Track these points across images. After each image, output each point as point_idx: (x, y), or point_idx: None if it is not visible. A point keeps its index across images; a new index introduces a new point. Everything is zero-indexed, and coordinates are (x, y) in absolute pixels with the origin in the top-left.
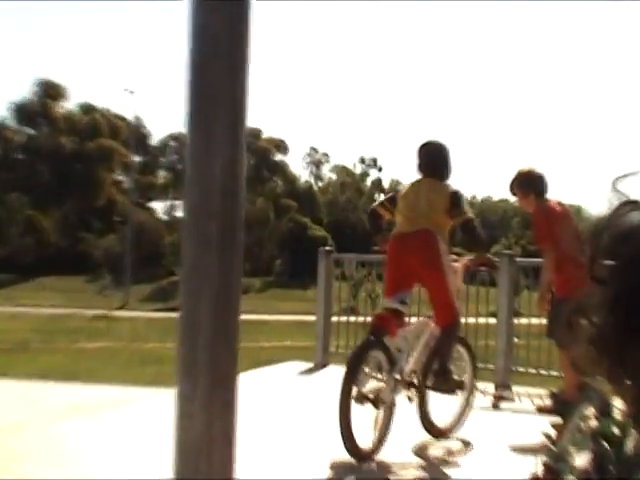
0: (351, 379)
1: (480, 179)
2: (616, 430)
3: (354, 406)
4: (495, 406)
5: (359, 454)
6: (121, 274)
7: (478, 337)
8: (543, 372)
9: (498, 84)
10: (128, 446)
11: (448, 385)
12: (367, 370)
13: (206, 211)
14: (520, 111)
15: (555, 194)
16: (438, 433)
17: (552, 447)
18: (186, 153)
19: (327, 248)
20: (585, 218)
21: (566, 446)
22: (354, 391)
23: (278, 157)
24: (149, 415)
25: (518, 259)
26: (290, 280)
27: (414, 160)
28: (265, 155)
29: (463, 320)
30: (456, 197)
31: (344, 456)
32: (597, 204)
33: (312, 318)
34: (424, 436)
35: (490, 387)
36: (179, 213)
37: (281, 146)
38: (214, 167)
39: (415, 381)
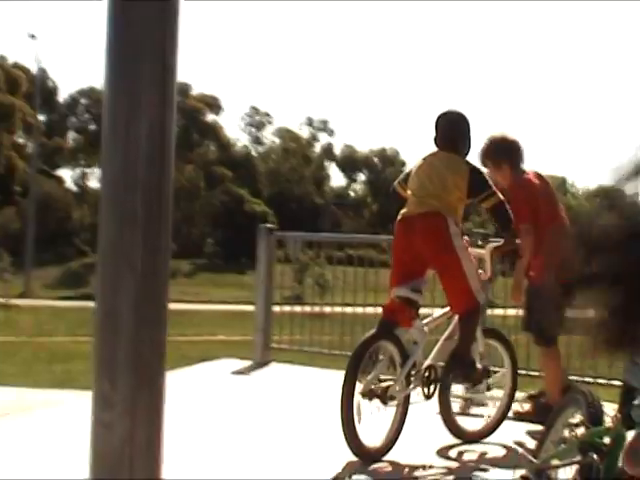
0: (355, 372)
1: None
2: (607, 440)
3: (362, 402)
4: (464, 412)
5: (365, 454)
6: (21, 255)
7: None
8: (521, 372)
9: (470, 46)
10: (33, 460)
11: (468, 376)
12: (377, 363)
13: (129, 182)
14: (498, 76)
15: (536, 165)
16: (462, 434)
17: (531, 459)
18: (104, 114)
19: (268, 225)
20: (570, 190)
21: (548, 458)
22: (361, 386)
23: (210, 118)
24: (59, 423)
25: (492, 239)
26: (224, 263)
27: (382, 126)
28: (195, 115)
29: None
30: (476, 175)
31: (295, 468)
32: (583, 176)
33: (250, 308)
34: (441, 438)
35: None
36: (92, 183)
37: (214, 105)
38: (139, 131)
39: (433, 377)
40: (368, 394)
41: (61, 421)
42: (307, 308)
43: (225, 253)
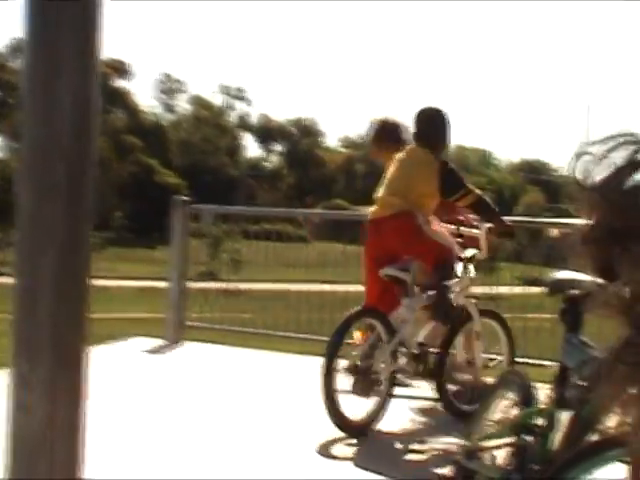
0: (335, 348)
1: (366, 117)
2: (540, 421)
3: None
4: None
5: (347, 426)
6: None
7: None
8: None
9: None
10: None
11: (448, 314)
12: (360, 339)
13: (52, 151)
14: (420, 47)
15: (459, 137)
16: (458, 412)
17: (464, 441)
18: (24, 81)
19: (183, 198)
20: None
21: (480, 440)
22: (345, 361)
23: (119, 83)
24: None
25: None
26: (134, 237)
27: (299, 94)
28: (102, 81)
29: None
30: (447, 174)
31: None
32: (505, 149)
33: (162, 284)
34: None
35: None
36: None
37: (122, 70)
38: (63, 99)
39: (423, 354)
40: (353, 370)
41: None
42: (221, 285)
43: (135, 227)
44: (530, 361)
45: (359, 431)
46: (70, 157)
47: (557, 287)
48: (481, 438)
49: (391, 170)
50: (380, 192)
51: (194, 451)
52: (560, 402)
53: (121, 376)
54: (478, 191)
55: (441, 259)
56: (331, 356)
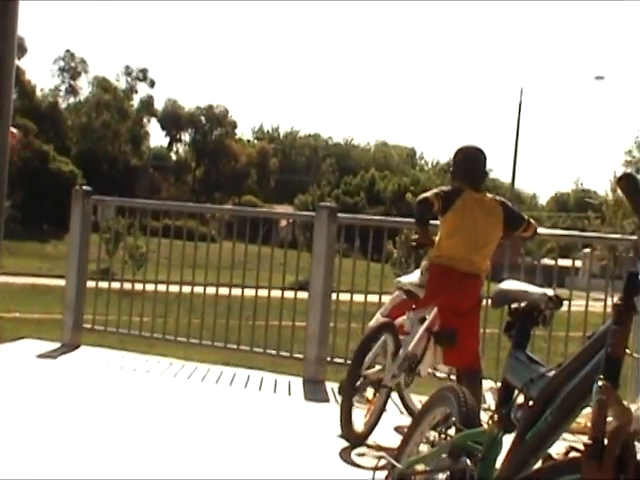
0: (361, 360)
1: (285, 109)
2: (481, 444)
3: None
4: None
5: (354, 438)
6: None
7: (284, 316)
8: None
9: None
10: None
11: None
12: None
13: None
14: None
15: (385, 134)
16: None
17: (394, 462)
18: None
19: (85, 187)
20: (419, 163)
21: (413, 462)
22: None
23: None
24: None
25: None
26: (23, 229)
27: (210, 80)
28: None
29: None
30: (510, 210)
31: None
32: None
33: (53, 282)
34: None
35: (297, 381)
36: None
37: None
38: None
39: (414, 364)
40: (366, 383)
41: None
42: (118, 285)
43: (24, 217)
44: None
45: (360, 441)
46: None
47: (501, 299)
48: (414, 461)
49: (470, 224)
50: (463, 246)
51: (75, 460)
52: (503, 423)
53: (10, 382)
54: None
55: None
56: (355, 370)
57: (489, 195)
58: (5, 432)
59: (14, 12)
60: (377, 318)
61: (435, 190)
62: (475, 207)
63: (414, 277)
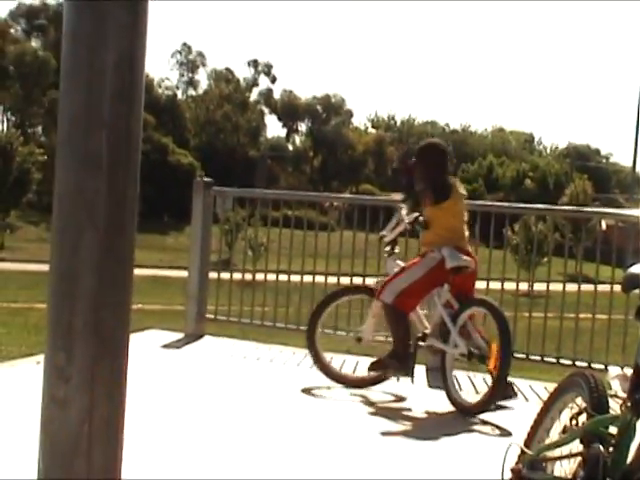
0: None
1: (401, 97)
2: (614, 429)
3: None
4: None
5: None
6: None
7: None
8: (549, 359)
9: None
10: None
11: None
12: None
13: (92, 121)
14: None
15: (503, 120)
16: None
17: (524, 449)
18: (64, 40)
19: (206, 179)
20: (537, 148)
21: (544, 448)
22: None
23: None
24: None
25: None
26: (144, 221)
27: (326, 70)
28: None
29: None
30: None
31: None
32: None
33: (174, 273)
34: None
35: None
36: None
37: None
38: (105, 61)
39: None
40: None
41: None
42: (239, 275)
43: (145, 210)
44: (564, 361)
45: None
46: (112, 128)
47: (632, 283)
48: (545, 447)
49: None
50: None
51: (208, 450)
52: (637, 409)
53: (139, 371)
54: None
55: None
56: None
57: None
58: (137, 420)
59: (144, 10)
60: None
61: None
62: None
63: None
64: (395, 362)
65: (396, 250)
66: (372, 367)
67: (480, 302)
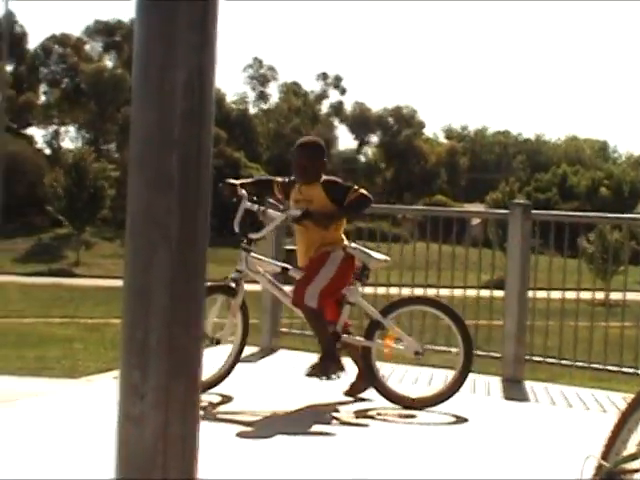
0: None
1: (473, 107)
2: None
3: None
4: None
5: None
6: None
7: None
8: (566, 362)
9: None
10: (26, 456)
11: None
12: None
13: (164, 140)
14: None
15: (576, 128)
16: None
17: (602, 462)
18: (135, 60)
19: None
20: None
21: (623, 460)
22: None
23: None
24: (49, 415)
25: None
26: (217, 236)
27: (397, 81)
28: None
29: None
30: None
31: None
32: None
33: (250, 287)
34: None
35: (495, 380)
36: (66, 143)
37: None
38: (175, 80)
39: None
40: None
41: (51, 413)
42: None
43: (217, 224)
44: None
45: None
46: (183, 146)
47: None
48: (622, 459)
49: None
50: None
51: (283, 465)
52: None
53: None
54: None
55: None
56: None
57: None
58: (214, 435)
59: (214, 30)
60: None
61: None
62: None
63: None
64: (332, 362)
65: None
66: (310, 374)
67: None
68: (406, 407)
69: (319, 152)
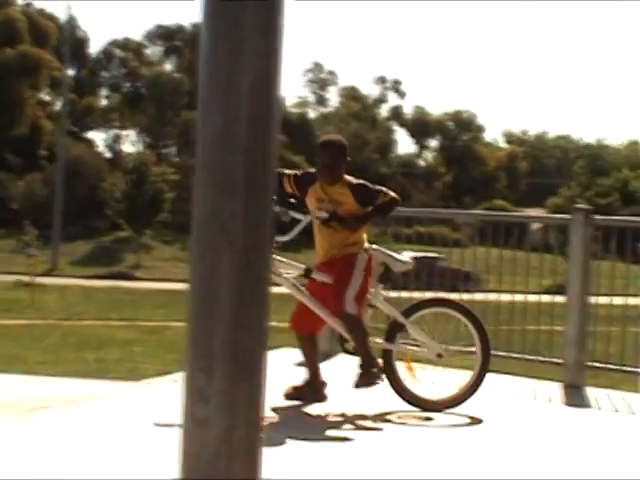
0: None
1: (534, 111)
2: None
3: None
4: None
5: None
6: (48, 228)
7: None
8: (628, 368)
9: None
10: (88, 459)
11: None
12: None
13: (229, 144)
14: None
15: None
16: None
17: None
18: (201, 66)
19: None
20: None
21: None
22: None
23: None
24: (110, 418)
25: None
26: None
27: (457, 85)
28: None
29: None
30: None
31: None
32: None
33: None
34: None
35: (556, 386)
36: (127, 147)
37: None
38: (241, 85)
39: None
40: None
41: (113, 415)
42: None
43: (278, 228)
44: None
45: None
46: (249, 151)
47: None
48: None
49: None
50: None
51: (348, 471)
52: None
53: (275, 391)
54: None
55: None
56: None
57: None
58: (275, 440)
59: (279, 35)
60: None
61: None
62: None
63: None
64: (375, 370)
65: None
66: (359, 386)
67: None
68: (427, 410)
69: (343, 151)
